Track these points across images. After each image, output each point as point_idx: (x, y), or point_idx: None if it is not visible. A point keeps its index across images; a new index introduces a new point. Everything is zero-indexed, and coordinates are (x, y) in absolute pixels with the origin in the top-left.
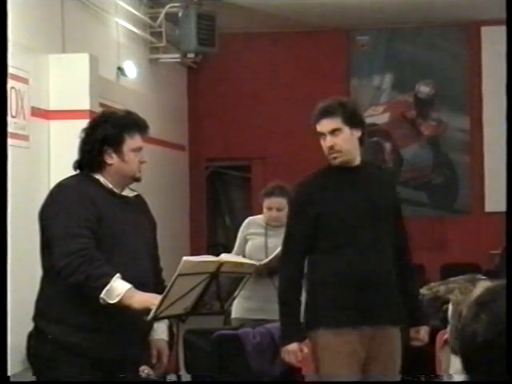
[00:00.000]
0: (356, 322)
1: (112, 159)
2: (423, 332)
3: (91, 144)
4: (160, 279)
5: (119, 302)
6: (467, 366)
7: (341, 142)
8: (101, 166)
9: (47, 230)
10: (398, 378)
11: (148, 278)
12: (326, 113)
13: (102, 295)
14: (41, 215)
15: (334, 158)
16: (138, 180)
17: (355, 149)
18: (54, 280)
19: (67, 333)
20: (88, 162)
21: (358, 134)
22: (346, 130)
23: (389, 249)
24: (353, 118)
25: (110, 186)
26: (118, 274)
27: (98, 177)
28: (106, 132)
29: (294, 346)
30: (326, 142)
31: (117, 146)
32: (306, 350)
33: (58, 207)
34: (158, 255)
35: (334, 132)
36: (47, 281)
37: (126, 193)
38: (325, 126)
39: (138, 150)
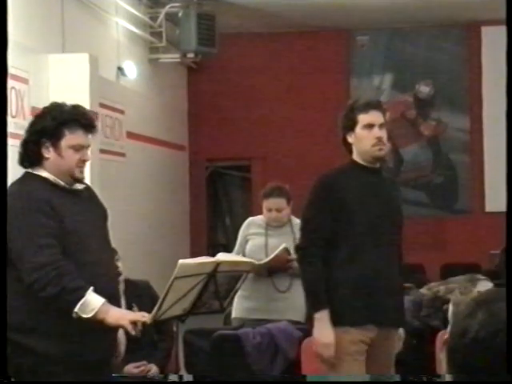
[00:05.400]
0: (364, 320)
1: (49, 153)
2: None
3: (29, 135)
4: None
5: (93, 316)
6: (451, 364)
7: (386, 136)
8: (39, 160)
9: (11, 245)
10: (393, 377)
11: (113, 274)
12: (378, 106)
13: (76, 309)
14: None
15: (380, 150)
16: (78, 180)
17: None
18: (22, 292)
19: (44, 343)
20: (25, 154)
21: None
22: (385, 128)
23: (398, 252)
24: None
25: (62, 183)
26: (91, 287)
27: (44, 174)
28: (44, 123)
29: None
30: (375, 133)
31: (55, 139)
32: None
33: (18, 219)
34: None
35: (382, 126)
36: (16, 293)
37: (76, 186)
38: (376, 117)
39: (80, 147)
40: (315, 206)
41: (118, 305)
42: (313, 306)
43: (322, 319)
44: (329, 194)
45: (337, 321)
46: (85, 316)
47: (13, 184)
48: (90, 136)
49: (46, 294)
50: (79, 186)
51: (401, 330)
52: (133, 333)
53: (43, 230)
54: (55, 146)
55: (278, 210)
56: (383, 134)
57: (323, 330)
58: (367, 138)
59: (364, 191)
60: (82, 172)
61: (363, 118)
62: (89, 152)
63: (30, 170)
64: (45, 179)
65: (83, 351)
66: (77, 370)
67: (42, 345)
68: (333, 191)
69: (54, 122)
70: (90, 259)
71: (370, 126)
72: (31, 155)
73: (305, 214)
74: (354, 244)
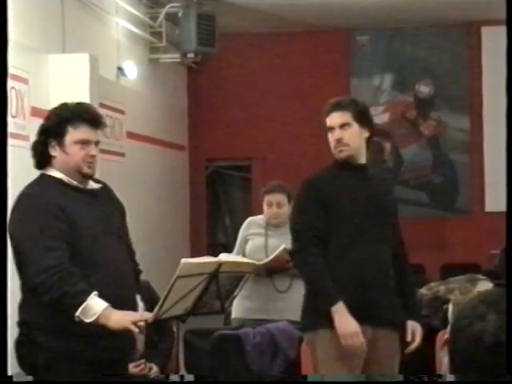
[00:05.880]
0: (358, 321)
1: (55, 151)
2: (418, 333)
3: (37, 137)
4: (134, 264)
5: (95, 321)
6: (466, 366)
7: (349, 136)
8: (48, 160)
9: (19, 246)
10: (396, 379)
11: (129, 277)
12: (338, 106)
13: (77, 313)
14: (9, 231)
15: (340, 152)
16: (86, 176)
17: (362, 147)
18: None
19: (60, 340)
20: (35, 155)
21: (366, 134)
22: (356, 126)
23: (390, 249)
24: (363, 117)
25: (75, 182)
26: (94, 292)
27: (57, 174)
28: (49, 123)
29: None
30: (334, 135)
31: (59, 137)
32: None
33: (26, 221)
34: (129, 240)
35: (343, 126)
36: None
37: (91, 185)
38: (335, 119)
39: (86, 142)
40: (303, 207)
41: (133, 304)
42: (327, 302)
43: (340, 311)
44: (315, 193)
45: (330, 323)
46: (87, 320)
47: (27, 185)
48: (98, 132)
49: (48, 298)
50: (95, 186)
51: (414, 324)
52: (136, 330)
53: (51, 232)
54: (60, 143)
55: (279, 206)
56: (343, 134)
57: (345, 320)
58: (330, 140)
59: (348, 188)
60: (90, 168)
61: (328, 121)
62: (96, 147)
63: (44, 172)
64: (58, 180)
65: (103, 349)
66: (97, 368)
67: (62, 343)
68: (318, 190)
69: (57, 120)
70: (103, 261)
71: (330, 129)
72: (40, 156)
73: (294, 217)
74: (342, 242)
